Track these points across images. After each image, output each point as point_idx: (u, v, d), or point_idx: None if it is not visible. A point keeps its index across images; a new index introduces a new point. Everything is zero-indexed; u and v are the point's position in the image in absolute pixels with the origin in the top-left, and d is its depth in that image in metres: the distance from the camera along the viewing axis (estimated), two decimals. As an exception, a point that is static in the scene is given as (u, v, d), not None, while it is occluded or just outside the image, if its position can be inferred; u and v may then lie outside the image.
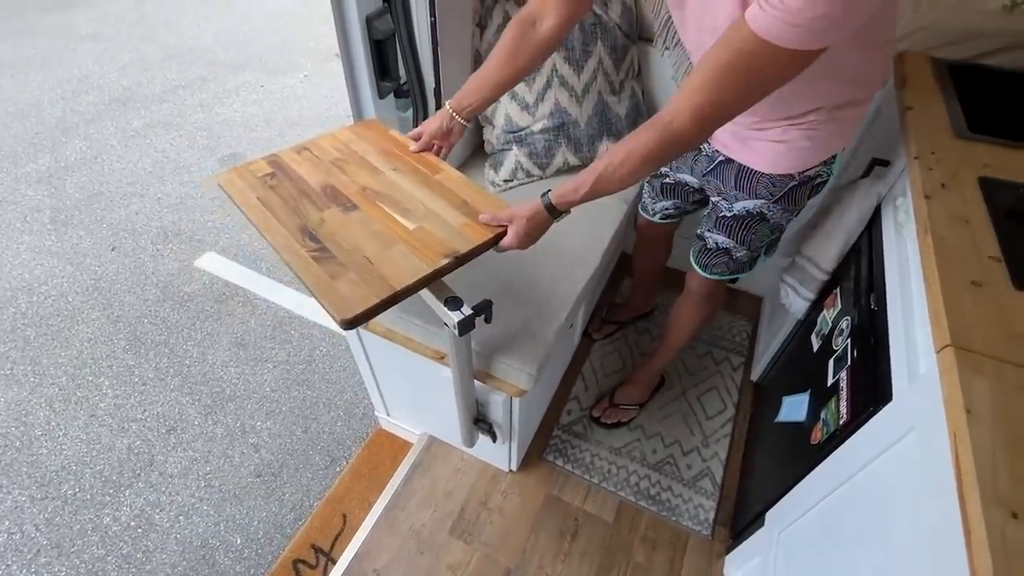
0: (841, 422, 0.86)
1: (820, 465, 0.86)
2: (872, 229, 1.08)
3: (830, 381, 0.98)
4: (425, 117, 1.29)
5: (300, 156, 0.99)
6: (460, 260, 0.80)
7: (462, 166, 1.50)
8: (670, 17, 1.30)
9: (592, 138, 1.38)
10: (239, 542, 1.48)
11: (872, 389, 0.79)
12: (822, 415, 0.95)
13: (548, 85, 1.29)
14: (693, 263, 1.18)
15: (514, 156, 1.35)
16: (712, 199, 1.09)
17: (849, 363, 0.93)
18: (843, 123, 0.85)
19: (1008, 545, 0.43)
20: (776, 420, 1.19)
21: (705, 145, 1.04)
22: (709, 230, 1.10)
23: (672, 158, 0.74)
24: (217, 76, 3.67)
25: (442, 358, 1.05)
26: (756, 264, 1.13)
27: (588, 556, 1.31)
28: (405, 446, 1.57)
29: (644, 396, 1.56)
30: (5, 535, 1.48)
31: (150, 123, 3.19)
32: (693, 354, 1.72)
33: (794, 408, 1.11)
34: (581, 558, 1.31)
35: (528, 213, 0.82)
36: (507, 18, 1.24)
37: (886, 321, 0.84)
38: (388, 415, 1.54)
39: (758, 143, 0.91)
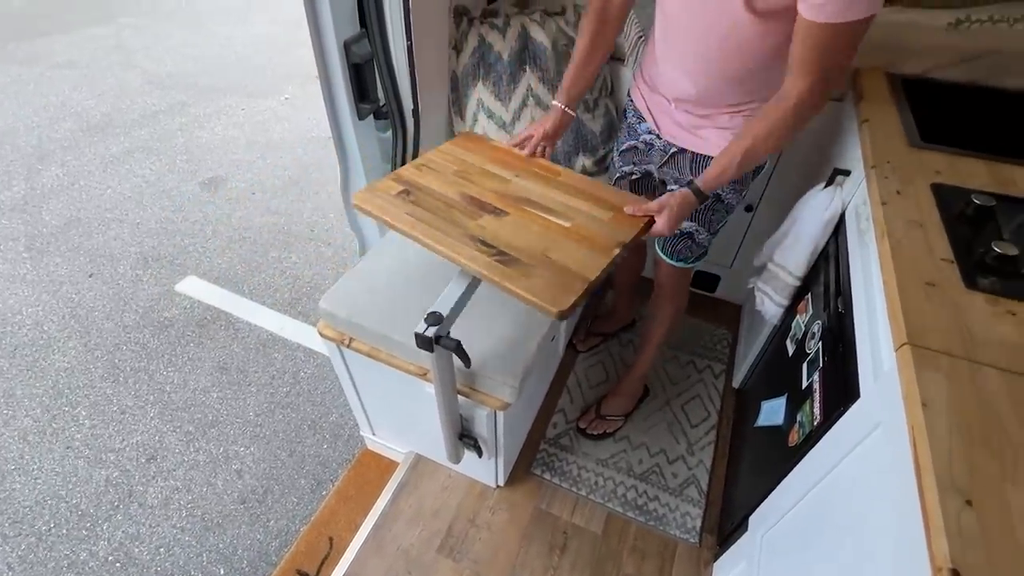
0: (816, 423, 0.88)
1: (797, 467, 0.88)
2: (838, 235, 1.12)
3: (804, 384, 1.01)
4: (404, 138, 1.32)
5: (421, 172, 1.01)
6: (625, 248, 0.87)
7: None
8: (639, 38, 1.35)
9: (568, 154, 1.41)
10: (223, 573, 1.44)
11: (842, 389, 0.82)
12: (798, 417, 0.98)
13: (524, 104, 1.33)
14: (659, 252, 1.25)
15: (493, 174, 1.38)
16: (669, 187, 1.17)
17: (821, 365, 0.95)
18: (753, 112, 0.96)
19: (963, 531, 0.45)
20: (756, 425, 1.21)
21: (656, 139, 1.12)
22: None
23: (805, 125, 0.84)
24: (197, 100, 3.67)
25: (425, 374, 1.05)
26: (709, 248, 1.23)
27: (578, 569, 1.31)
28: (392, 465, 1.56)
29: (629, 406, 1.58)
30: (-25, 575, 1.43)
31: (129, 148, 3.17)
32: (676, 363, 1.75)
33: (772, 412, 1.13)
34: (571, 572, 1.31)
35: (679, 201, 0.92)
36: (482, 41, 1.28)
37: (853, 323, 0.88)
38: (374, 435, 1.53)
39: (706, 131, 1.01)
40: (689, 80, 0.96)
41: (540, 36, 1.31)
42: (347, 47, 1.17)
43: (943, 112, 1.16)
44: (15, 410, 1.81)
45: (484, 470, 1.37)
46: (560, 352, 1.69)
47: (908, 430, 0.54)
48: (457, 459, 1.23)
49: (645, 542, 1.35)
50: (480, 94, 1.31)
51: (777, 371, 1.27)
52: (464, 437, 1.15)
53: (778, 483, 0.95)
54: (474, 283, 0.88)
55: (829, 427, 0.81)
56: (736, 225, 1.67)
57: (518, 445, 1.49)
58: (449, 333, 0.83)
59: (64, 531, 1.52)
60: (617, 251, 0.84)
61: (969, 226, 0.80)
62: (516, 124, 1.34)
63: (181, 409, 1.83)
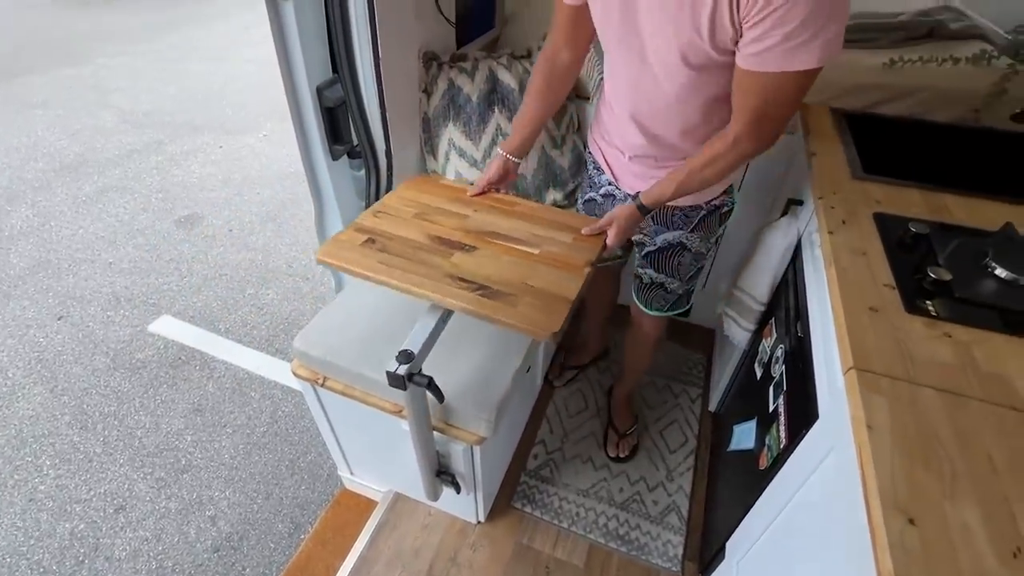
0: (782, 446, 0.91)
1: (766, 491, 0.90)
2: (795, 262, 1.18)
3: (771, 407, 1.04)
4: (378, 178, 1.35)
5: (381, 219, 1.02)
6: (595, 266, 0.91)
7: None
8: (601, 79, 1.41)
9: (539, 188, 1.46)
10: (194, 626, 1.38)
11: (803, 411, 0.85)
12: (767, 441, 1.01)
13: (494, 142, 1.38)
14: (636, 301, 1.29)
15: (466, 209, 1.41)
16: (635, 237, 1.20)
17: (785, 388, 0.99)
18: None
19: (907, 548, 0.47)
20: (729, 449, 1.23)
21: (616, 191, 1.15)
22: (641, 266, 1.22)
23: (738, 167, 0.90)
24: (174, 138, 3.68)
25: (400, 411, 1.06)
26: (691, 297, 1.25)
27: (562, 604, 1.29)
28: (370, 505, 1.53)
29: (634, 416, 1.64)
30: (-75, 643, 1.34)
31: (103, 188, 3.15)
32: (653, 388, 1.77)
33: (743, 436, 1.16)
34: (555, 607, 1.29)
35: (625, 215, 0.98)
36: (451, 84, 1.34)
37: (811, 347, 0.92)
38: (352, 474, 1.51)
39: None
40: (639, 133, 0.98)
41: (507, 78, 1.37)
42: (320, 92, 1.21)
43: (883, 144, 1.25)
44: (-26, 462, 1.74)
45: (464, 506, 1.36)
46: (538, 383, 1.71)
47: (856, 452, 0.57)
48: (435, 496, 1.22)
49: (627, 573, 1.34)
50: (451, 134, 1.36)
51: (748, 395, 1.30)
52: (442, 474, 1.15)
53: (750, 508, 0.97)
54: (444, 318, 0.90)
55: (793, 449, 0.84)
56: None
57: (498, 479, 1.48)
58: (421, 370, 0.84)
59: (24, 590, 1.44)
60: (588, 269, 0.89)
61: (908, 253, 0.85)
62: (486, 161, 1.39)
63: (152, 455, 1.78)
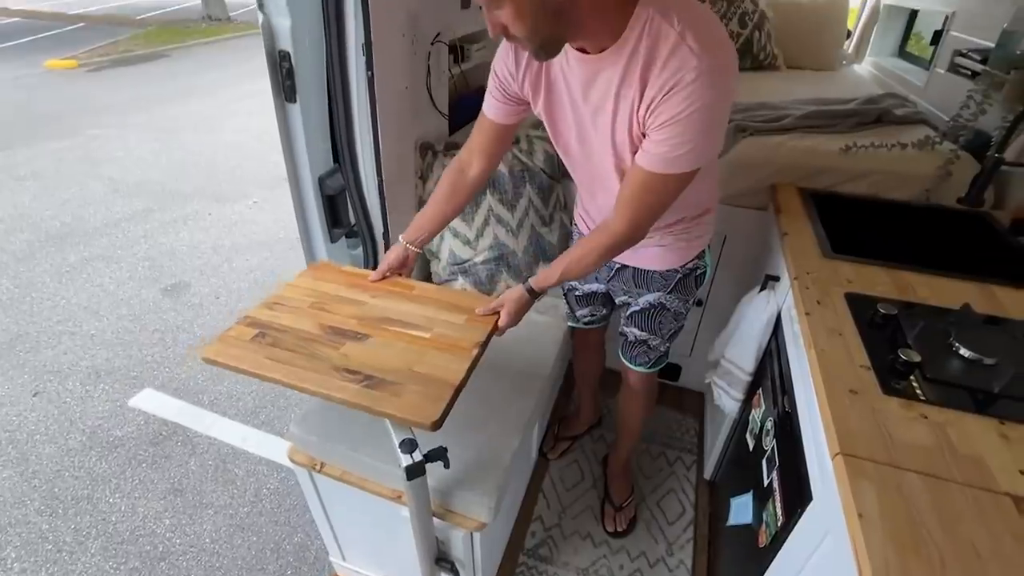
0: (779, 524, 0.93)
1: (767, 572, 0.91)
2: (777, 334, 1.24)
3: (766, 482, 1.06)
4: (375, 257, 1.41)
5: (275, 311, 0.99)
6: (483, 348, 0.91)
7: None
8: None
9: (530, 264, 1.53)
10: None
11: (797, 490, 0.87)
12: (764, 517, 1.02)
13: (486, 223, 1.45)
14: (621, 358, 1.35)
15: (460, 286, 1.47)
16: (619, 299, 1.29)
17: (777, 464, 1.02)
18: (702, 226, 1.11)
19: (908, 645, 0.49)
20: (728, 524, 1.23)
21: None
22: (626, 326, 1.29)
23: (617, 254, 0.99)
24: (163, 207, 3.73)
25: (399, 497, 1.05)
26: (669, 354, 1.33)
27: None
28: (362, 592, 1.46)
29: (631, 486, 1.63)
30: None
31: (88, 257, 3.14)
32: (648, 456, 1.77)
33: (741, 510, 1.17)
34: None
35: (515, 297, 1.01)
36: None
37: (799, 423, 0.95)
38: (344, 560, 1.45)
39: (644, 249, 1.10)
40: (606, 212, 1.05)
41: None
42: (321, 181, 1.28)
43: (849, 222, 1.35)
44: (-68, 558, 1.63)
45: (461, 591, 1.31)
46: (533, 456, 1.70)
47: (850, 542, 0.59)
48: (433, 583, 1.19)
49: (632, 658, 1.29)
50: (446, 216, 1.43)
51: (742, 465, 1.32)
52: (440, 561, 1.12)
53: (753, 587, 0.97)
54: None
55: (791, 529, 0.85)
56: (691, 317, 1.80)
57: (496, 561, 1.44)
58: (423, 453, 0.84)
59: None
60: (476, 351, 0.89)
61: (879, 332, 0.91)
62: (479, 240, 1.46)
63: (127, 542, 1.69)
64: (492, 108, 1.01)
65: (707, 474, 1.68)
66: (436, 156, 1.42)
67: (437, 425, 0.76)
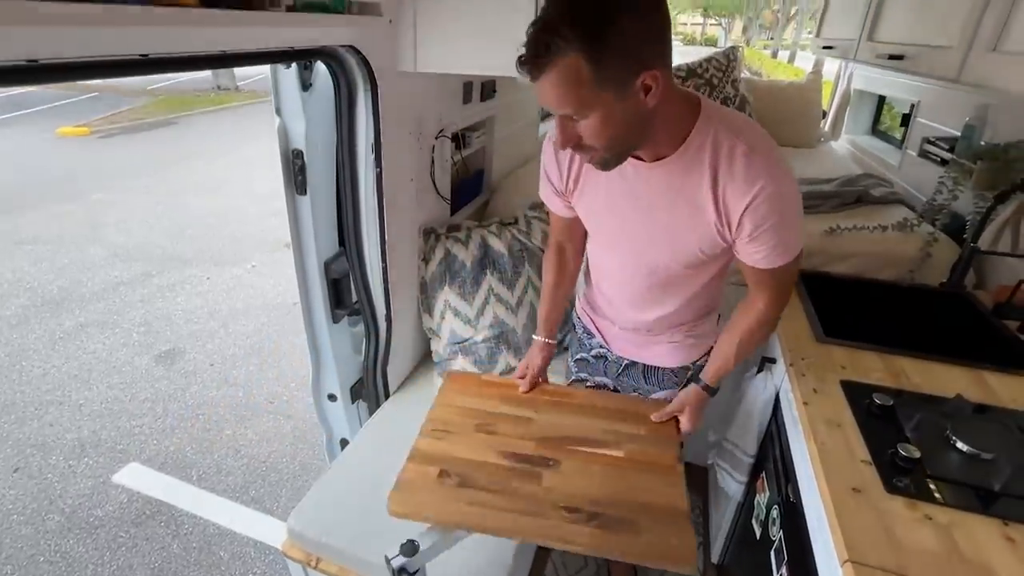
0: (792, 625, 0.89)
1: None
2: (777, 416, 1.24)
3: (775, 575, 1.03)
4: (377, 339, 1.42)
5: (442, 440, 0.93)
6: (681, 459, 0.90)
7: (412, 373, 1.60)
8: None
9: (529, 341, 1.54)
10: None
11: (808, 590, 0.85)
12: (775, 615, 0.98)
13: (486, 302, 1.48)
14: None
15: (460, 364, 1.47)
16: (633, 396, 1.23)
17: (786, 558, 0.99)
18: (709, 324, 1.12)
19: None
20: (738, 617, 1.18)
21: (608, 353, 1.19)
22: None
23: (770, 332, 1.00)
24: (162, 271, 3.76)
25: (398, 597, 1.00)
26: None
27: None
28: None
29: (634, 568, 1.55)
30: None
31: (83, 323, 3.13)
32: (650, 536, 1.71)
33: (751, 604, 1.12)
34: None
35: (695, 398, 1.01)
36: (447, 253, 1.47)
37: (805, 515, 0.94)
38: (333, 659, 1.36)
39: (655, 346, 1.12)
40: (633, 312, 1.05)
41: (497, 244, 1.52)
42: (327, 265, 1.31)
43: (838, 302, 1.39)
44: None
45: None
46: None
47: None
48: None
49: None
50: (447, 296, 1.46)
51: (750, 553, 1.28)
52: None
53: None
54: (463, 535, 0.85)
55: (804, 634, 0.82)
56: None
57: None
58: (424, 570, 0.81)
59: None
60: (680, 466, 0.88)
61: (877, 423, 0.93)
62: (480, 319, 1.48)
63: (100, 639, 1.58)
64: (557, 208, 1.02)
65: (714, 557, 1.62)
66: (439, 239, 1.47)
67: (696, 567, 0.74)
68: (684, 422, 1.01)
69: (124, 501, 2.03)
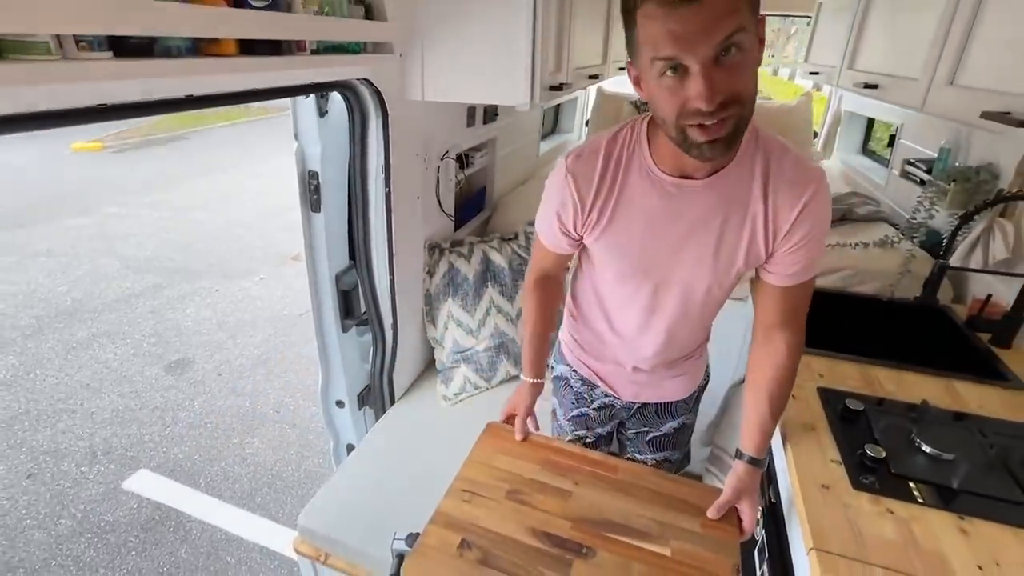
0: (771, 618, 0.95)
1: (762, 668, 0.92)
2: (761, 422, 1.31)
3: (758, 572, 1.09)
4: (384, 347, 1.50)
5: (470, 503, 0.87)
6: (738, 571, 0.79)
7: (416, 380, 1.67)
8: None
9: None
10: None
11: (785, 583, 0.91)
12: (757, 610, 1.04)
13: (488, 313, 1.57)
14: None
15: (462, 372, 1.55)
16: (632, 431, 1.18)
17: (767, 555, 1.05)
18: (704, 346, 1.11)
19: None
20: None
21: (616, 401, 1.12)
22: (641, 452, 1.18)
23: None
24: (172, 283, 3.86)
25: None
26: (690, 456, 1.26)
27: None
28: None
29: None
30: None
31: (95, 333, 3.21)
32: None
33: (736, 601, 1.18)
34: None
35: (750, 479, 0.88)
36: (451, 266, 1.55)
37: (783, 514, 1.01)
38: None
39: (667, 381, 1.06)
40: (653, 347, 0.96)
41: (498, 259, 1.61)
42: (338, 278, 1.40)
43: (821, 315, 1.45)
44: (-94, 658, 1.56)
45: None
46: None
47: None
48: None
49: None
50: (450, 308, 1.55)
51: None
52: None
53: None
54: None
55: (780, 624, 0.88)
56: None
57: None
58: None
59: None
60: None
61: (849, 427, 1.00)
62: (481, 329, 1.56)
63: (111, 639, 1.63)
64: (561, 247, 0.92)
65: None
66: (443, 253, 1.56)
67: None
68: (747, 517, 0.87)
69: (134, 507, 2.09)
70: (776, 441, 1.11)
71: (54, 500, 2.11)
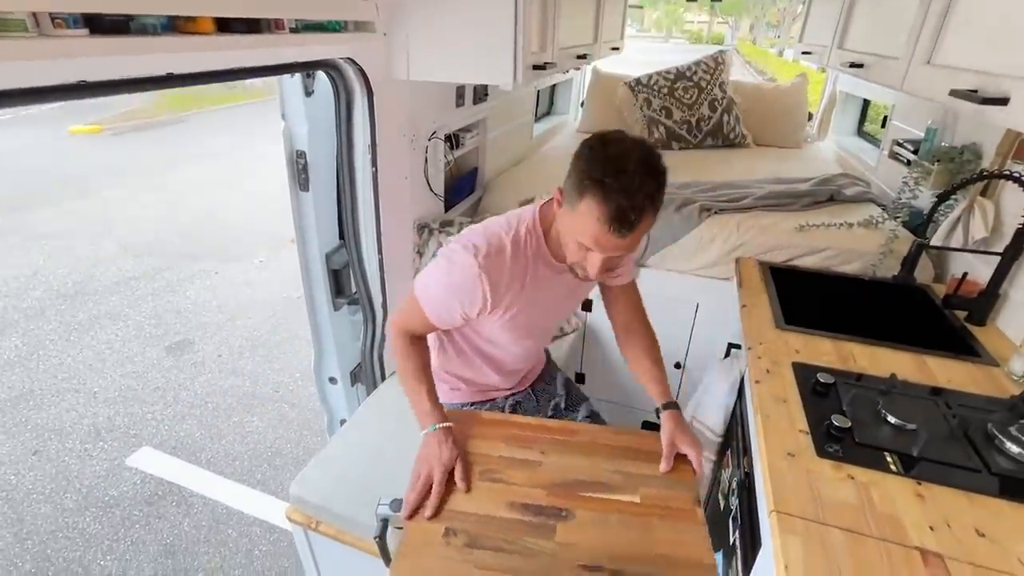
0: (740, 579, 1.00)
1: (729, 625, 0.97)
2: (741, 397, 1.34)
3: (731, 539, 1.13)
4: (374, 326, 1.53)
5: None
6: (699, 501, 0.87)
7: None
8: None
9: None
10: None
11: (752, 544, 0.96)
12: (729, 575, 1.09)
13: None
14: None
15: (451, 350, 1.59)
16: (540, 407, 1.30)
17: (740, 521, 1.10)
18: None
19: None
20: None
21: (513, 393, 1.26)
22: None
23: None
24: (172, 266, 3.89)
25: (388, 554, 1.11)
26: None
27: None
28: (348, 656, 1.47)
29: None
30: None
31: (96, 315, 3.26)
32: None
33: (711, 567, 1.22)
34: None
35: (681, 427, 0.99)
36: (440, 246, 1.58)
37: (755, 482, 1.04)
38: (332, 621, 1.47)
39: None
40: (525, 361, 1.19)
41: (487, 239, 1.63)
42: (328, 257, 1.43)
43: (803, 293, 1.49)
44: (-79, 622, 1.64)
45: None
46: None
47: (778, 589, 0.68)
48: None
49: None
50: (439, 286, 1.58)
51: (714, 522, 1.38)
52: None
53: (720, 644, 1.02)
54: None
55: (747, 584, 0.93)
56: (672, 377, 1.90)
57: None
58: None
59: None
60: (700, 511, 0.84)
61: (819, 400, 1.03)
62: (470, 308, 1.59)
63: (117, 606, 1.70)
64: (452, 323, 1.00)
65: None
66: (432, 233, 1.58)
67: None
68: (692, 457, 0.95)
69: (137, 482, 2.15)
70: (749, 413, 1.15)
71: (60, 476, 2.17)
